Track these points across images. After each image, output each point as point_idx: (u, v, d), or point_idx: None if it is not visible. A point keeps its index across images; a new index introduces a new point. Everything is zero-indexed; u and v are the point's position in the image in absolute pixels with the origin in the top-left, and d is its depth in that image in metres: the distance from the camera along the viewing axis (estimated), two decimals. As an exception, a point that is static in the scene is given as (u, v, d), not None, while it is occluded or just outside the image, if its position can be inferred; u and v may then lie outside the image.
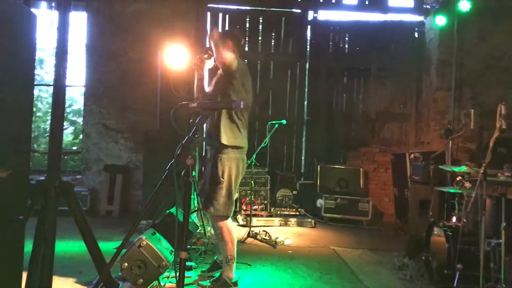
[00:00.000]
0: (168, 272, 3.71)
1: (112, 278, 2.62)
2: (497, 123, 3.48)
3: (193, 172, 2.59)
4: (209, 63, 3.81)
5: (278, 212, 6.78)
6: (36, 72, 2.35)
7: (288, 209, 6.88)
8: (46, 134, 10.70)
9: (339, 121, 8.12)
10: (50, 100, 10.79)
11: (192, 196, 3.58)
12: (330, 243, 5.71)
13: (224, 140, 3.56)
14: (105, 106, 7.36)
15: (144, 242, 3.51)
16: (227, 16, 7.94)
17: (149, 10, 7.28)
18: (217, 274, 3.78)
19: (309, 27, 8.13)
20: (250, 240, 5.52)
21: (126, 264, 3.46)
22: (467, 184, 3.94)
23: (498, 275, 3.43)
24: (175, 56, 5.24)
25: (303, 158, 8.19)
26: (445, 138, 5.60)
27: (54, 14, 7.49)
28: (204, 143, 6.13)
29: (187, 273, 3.59)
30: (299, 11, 8.11)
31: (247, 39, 7.96)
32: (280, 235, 5.73)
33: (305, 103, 8.16)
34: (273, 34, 8.09)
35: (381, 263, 4.83)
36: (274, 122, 5.72)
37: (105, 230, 5.49)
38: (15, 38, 1.89)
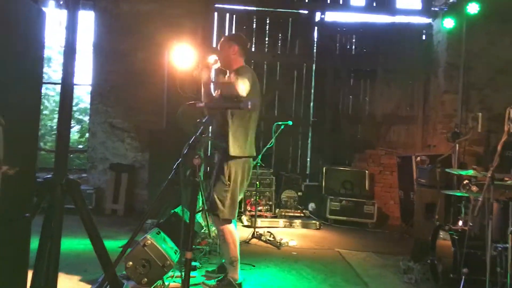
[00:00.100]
0: (172, 271, 3.71)
1: (118, 277, 2.62)
2: (505, 126, 3.45)
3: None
4: (216, 66, 3.81)
5: (283, 213, 6.78)
6: (43, 70, 2.36)
7: (292, 211, 6.87)
8: (53, 132, 10.75)
9: (345, 123, 8.10)
10: (56, 98, 10.85)
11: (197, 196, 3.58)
12: (335, 245, 5.69)
13: (231, 151, 3.56)
14: (111, 105, 7.38)
15: (149, 241, 3.52)
16: (234, 16, 7.93)
17: (157, 10, 7.29)
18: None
19: (316, 28, 8.11)
20: (254, 241, 5.52)
21: (130, 263, 3.47)
22: (474, 188, 3.92)
23: (504, 279, 3.40)
24: (182, 56, 5.24)
25: (308, 159, 8.17)
26: (452, 141, 5.58)
27: (62, 13, 7.52)
28: (209, 143, 6.13)
29: (191, 273, 3.58)
30: (306, 12, 8.09)
31: (253, 40, 7.96)
32: (284, 236, 5.72)
33: (311, 104, 8.15)
34: (280, 35, 8.08)
35: (386, 266, 4.81)
36: (280, 123, 5.72)
37: (110, 229, 5.51)
38: (24, 35, 1.90)
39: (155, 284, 3.53)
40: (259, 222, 6.22)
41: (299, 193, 7.03)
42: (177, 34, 6.42)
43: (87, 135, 8.23)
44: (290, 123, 5.80)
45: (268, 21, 8.06)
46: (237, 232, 3.78)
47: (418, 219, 5.84)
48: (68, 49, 2.34)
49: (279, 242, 5.43)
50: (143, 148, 7.28)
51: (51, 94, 11.05)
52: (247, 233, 5.66)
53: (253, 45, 7.95)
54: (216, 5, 7.83)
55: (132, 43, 7.25)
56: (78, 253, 4.35)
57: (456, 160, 5.50)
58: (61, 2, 7.45)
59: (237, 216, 3.88)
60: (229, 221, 3.64)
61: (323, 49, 8.09)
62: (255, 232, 5.62)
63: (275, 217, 6.70)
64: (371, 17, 8.24)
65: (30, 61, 1.98)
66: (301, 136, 8.12)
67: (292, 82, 8.11)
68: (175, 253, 3.75)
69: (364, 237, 6.37)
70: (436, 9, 7.84)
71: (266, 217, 6.60)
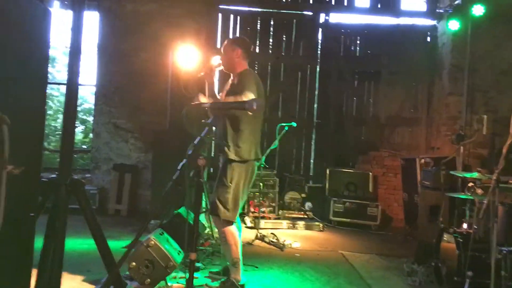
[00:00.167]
0: (175, 272, 3.71)
1: (121, 277, 2.62)
2: (510, 129, 3.43)
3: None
4: (220, 68, 3.82)
5: (286, 215, 6.76)
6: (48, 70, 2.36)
7: (296, 212, 6.86)
8: (57, 133, 10.78)
9: (349, 125, 8.08)
10: (60, 98, 10.87)
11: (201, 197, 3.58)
12: (338, 247, 5.68)
13: (235, 154, 3.57)
14: (115, 105, 7.39)
15: (152, 242, 3.52)
16: (238, 17, 7.93)
17: (161, 11, 7.30)
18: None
19: (320, 29, 8.09)
20: (257, 242, 5.51)
21: (134, 263, 3.47)
22: (479, 191, 3.90)
23: (509, 283, 3.39)
24: (186, 57, 5.25)
25: (312, 161, 8.16)
26: (456, 143, 5.55)
27: (67, 13, 7.55)
28: (213, 144, 6.13)
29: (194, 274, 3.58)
30: (310, 13, 8.08)
31: (257, 41, 7.97)
32: (288, 238, 5.72)
33: (315, 105, 8.13)
34: (284, 36, 8.07)
35: (390, 268, 4.79)
36: (284, 124, 5.71)
37: (114, 229, 5.51)
38: (29, 34, 1.90)
39: (158, 285, 3.53)
40: (263, 223, 6.22)
41: (303, 195, 7.01)
42: (181, 35, 6.42)
43: (91, 135, 8.24)
44: (294, 124, 5.77)
45: (272, 22, 8.05)
46: (241, 233, 3.78)
47: (422, 222, 5.82)
48: (74, 50, 2.35)
49: (283, 244, 5.42)
50: (146, 148, 7.29)
51: (55, 94, 11.07)
52: (250, 234, 5.65)
53: (257, 46, 7.95)
54: (220, 6, 7.83)
55: (136, 44, 7.26)
56: (81, 253, 4.35)
57: (460, 163, 5.48)
58: (66, 3, 7.48)
59: (241, 217, 3.88)
60: (230, 223, 3.64)
61: (327, 51, 8.08)
62: (259, 234, 5.61)
63: (279, 218, 6.69)
64: (375, 18, 8.23)
65: (35, 60, 1.98)
66: (304, 137, 8.11)
67: (296, 83, 8.10)
68: (178, 254, 3.75)
69: (367, 239, 6.35)
70: (441, 11, 7.82)
71: (269, 218, 6.59)
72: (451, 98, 7.53)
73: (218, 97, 3.83)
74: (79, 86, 2.60)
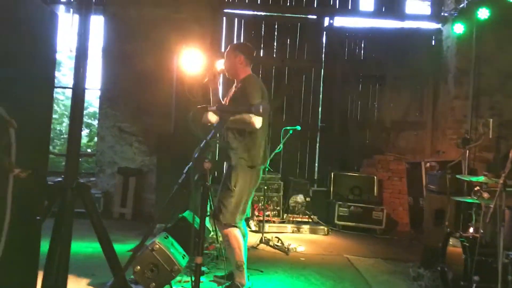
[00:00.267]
0: (180, 276, 3.70)
1: (127, 281, 2.61)
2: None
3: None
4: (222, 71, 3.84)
5: (291, 219, 6.74)
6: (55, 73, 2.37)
7: (300, 216, 6.84)
8: (62, 136, 10.82)
9: (353, 128, 8.06)
10: (66, 102, 10.92)
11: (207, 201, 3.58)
12: (343, 251, 5.65)
13: (241, 161, 3.58)
14: (120, 109, 7.41)
15: (157, 246, 3.51)
16: (242, 21, 7.95)
17: (166, 15, 7.32)
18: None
19: (324, 33, 8.10)
20: (262, 246, 5.49)
21: (138, 267, 3.46)
22: (485, 195, 3.87)
23: (516, 288, 3.35)
24: (191, 61, 5.25)
25: (316, 165, 8.15)
26: (462, 147, 5.53)
27: (72, 18, 7.58)
28: (217, 147, 6.13)
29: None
30: (314, 17, 8.09)
31: (262, 45, 7.98)
32: (292, 242, 5.70)
33: (320, 109, 8.12)
34: (289, 40, 8.07)
35: (395, 273, 4.76)
36: (288, 128, 5.70)
37: (118, 233, 5.51)
38: (36, 37, 1.90)
39: (163, 289, 3.51)
40: (267, 227, 6.20)
41: (307, 199, 6.99)
42: (185, 39, 6.44)
43: (95, 139, 8.27)
44: (298, 128, 5.78)
45: (276, 26, 8.07)
46: (247, 237, 3.77)
47: (427, 226, 5.79)
48: (80, 54, 2.35)
49: (287, 248, 5.40)
50: (151, 152, 7.30)
51: (60, 98, 11.12)
52: (255, 238, 5.64)
53: (262, 50, 7.96)
54: (225, 10, 7.87)
55: (141, 48, 7.28)
56: (86, 257, 4.35)
57: (466, 167, 5.46)
58: (71, 7, 7.52)
59: (246, 221, 3.87)
60: (233, 226, 3.63)
61: (331, 54, 8.08)
62: (263, 238, 5.59)
63: (283, 222, 6.67)
64: (380, 22, 8.24)
65: (42, 63, 1.99)
66: (309, 141, 8.10)
67: (301, 87, 8.11)
68: (183, 258, 3.74)
69: (372, 243, 6.32)
70: (446, 14, 7.82)
71: (274, 222, 6.58)
72: (457, 102, 7.50)
73: (223, 102, 3.84)
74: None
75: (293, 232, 6.48)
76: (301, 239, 6.06)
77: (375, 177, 7.51)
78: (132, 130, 7.42)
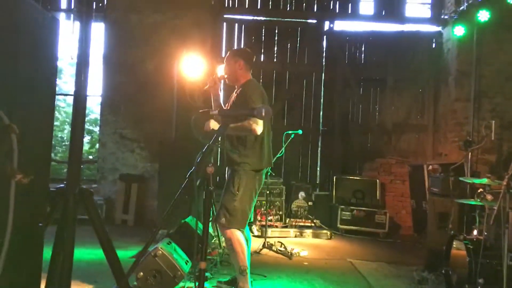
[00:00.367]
0: (183, 282, 3.69)
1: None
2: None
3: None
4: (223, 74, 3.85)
5: (293, 223, 6.72)
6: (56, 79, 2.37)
7: (303, 220, 6.81)
8: (64, 143, 10.82)
9: (355, 132, 8.06)
10: (67, 109, 10.93)
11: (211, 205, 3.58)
12: (346, 255, 5.63)
13: (243, 165, 3.58)
14: (121, 115, 7.41)
15: (160, 252, 3.50)
16: (243, 26, 7.97)
17: (166, 21, 7.34)
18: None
19: (325, 37, 8.12)
20: (265, 251, 5.47)
21: (141, 273, 3.45)
22: (489, 197, 3.85)
23: (522, 290, 3.33)
24: (191, 66, 5.26)
25: (318, 169, 8.13)
26: (464, 150, 5.52)
27: (73, 25, 7.61)
28: (219, 153, 6.14)
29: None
30: (315, 21, 8.11)
31: (262, 50, 7.99)
32: (295, 246, 5.67)
33: (321, 113, 8.12)
34: (289, 44, 8.08)
35: (399, 276, 4.74)
36: (290, 132, 5.70)
37: (121, 239, 5.49)
38: (38, 43, 1.91)
39: (166, 295, 3.49)
40: (270, 232, 6.18)
41: (310, 203, 6.97)
42: (186, 45, 6.45)
43: (97, 145, 8.27)
44: (300, 132, 5.78)
45: (277, 31, 8.09)
46: (250, 242, 3.75)
47: (431, 229, 5.77)
48: (81, 61, 2.35)
49: (290, 252, 5.38)
50: (152, 158, 7.29)
51: (62, 105, 11.14)
52: (257, 243, 5.62)
53: (262, 55, 7.98)
54: (225, 16, 7.89)
55: (141, 54, 7.30)
56: (88, 263, 4.34)
57: (468, 169, 5.44)
58: (72, 14, 7.55)
59: (249, 226, 3.86)
60: (236, 230, 3.62)
61: (332, 58, 8.09)
62: (266, 242, 5.57)
63: (286, 227, 6.65)
64: (380, 25, 8.25)
65: (44, 69, 1.99)
66: (311, 145, 8.09)
67: (301, 91, 8.11)
68: (186, 264, 3.73)
69: (376, 247, 6.30)
70: (446, 17, 7.82)
71: (276, 227, 6.56)
72: (458, 104, 7.50)
73: (224, 108, 3.85)
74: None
75: (296, 236, 6.46)
76: (304, 244, 6.04)
77: (378, 180, 7.49)
78: (133, 137, 7.42)
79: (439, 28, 8.06)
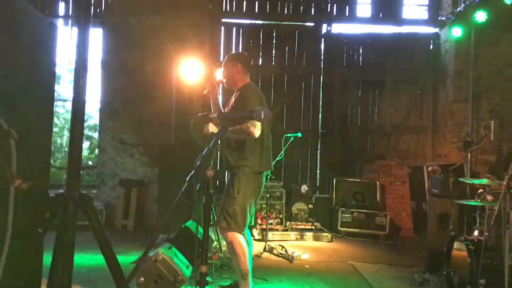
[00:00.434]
0: (184, 287, 3.67)
1: (130, 292, 2.59)
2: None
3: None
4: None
5: (294, 226, 6.71)
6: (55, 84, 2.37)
7: (303, 223, 6.80)
8: (63, 149, 10.80)
9: (354, 134, 8.06)
10: (66, 115, 10.91)
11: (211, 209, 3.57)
12: (347, 257, 5.62)
13: (242, 168, 3.58)
14: (120, 120, 7.41)
15: (161, 257, 3.48)
16: (241, 30, 7.99)
17: (164, 25, 7.34)
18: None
19: (322, 40, 8.13)
20: (266, 254, 5.46)
21: (142, 279, 3.43)
22: (489, 197, 3.84)
23: (523, 290, 3.32)
24: (190, 70, 5.27)
25: (318, 171, 8.13)
26: (463, 150, 5.51)
27: (71, 30, 7.62)
28: (218, 157, 6.12)
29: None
30: (312, 24, 8.13)
31: (260, 53, 8.01)
32: (296, 249, 5.66)
33: (320, 116, 8.12)
34: (287, 47, 8.10)
35: (401, 278, 4.73)
36: (289, 135, 5.70)
37: (121, 244, 5.47)
38: (36, 49, 1.90)
39: (167, 300, 3.48)
40: (270, 235, 6.17)
41: (310, 206, 6.96)
42: (184, 49, 6.46)
43: (96, 151, 8.26)
44: (299, 135, 5.78)
45: (275, 34, 8.10)
46: (251, 245, 3.74)
47: (431, 230, 5.75)
48: (79, 66, 2.35)
49: (291, 256, 5.37)
50: (152, 163, 7.28)
51: (60, 111, 11.12)
52: (258, 247, 5.60)
53: (260, 58, 7.99)
54: (223, 20, 7.90)
55: (140, 59, 7.30)
56: (88, 269, 4.32)
57: (468, 170, 5.44)
58: (70, 20, 7.56)
59: (249, 229, 3.85)
60: (237, 233, 3.61)
61: (330, 61, 8.10)
62: (267, 246, 5.56)
63: (286, 230, 6.63)
64: (377, 28, 8.26)
65: (42, 74, 1.99)
66: (310, 148, 8.09)
67: (300, 94, 8.12)
68: (187, 268, 3.71)
69: (376, 249, 6.29)
70: (443, 18, 7.84)
71: (277, 230, 6.54)
72: (456, 105, 7.51)
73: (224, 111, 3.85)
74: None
75: (296, 239, 6.44)
76: (304, 247, 6.02)
77: (378, 182, 7.49)
78: (133, 142, 7.41)
79: (436, 30, 8.08)
